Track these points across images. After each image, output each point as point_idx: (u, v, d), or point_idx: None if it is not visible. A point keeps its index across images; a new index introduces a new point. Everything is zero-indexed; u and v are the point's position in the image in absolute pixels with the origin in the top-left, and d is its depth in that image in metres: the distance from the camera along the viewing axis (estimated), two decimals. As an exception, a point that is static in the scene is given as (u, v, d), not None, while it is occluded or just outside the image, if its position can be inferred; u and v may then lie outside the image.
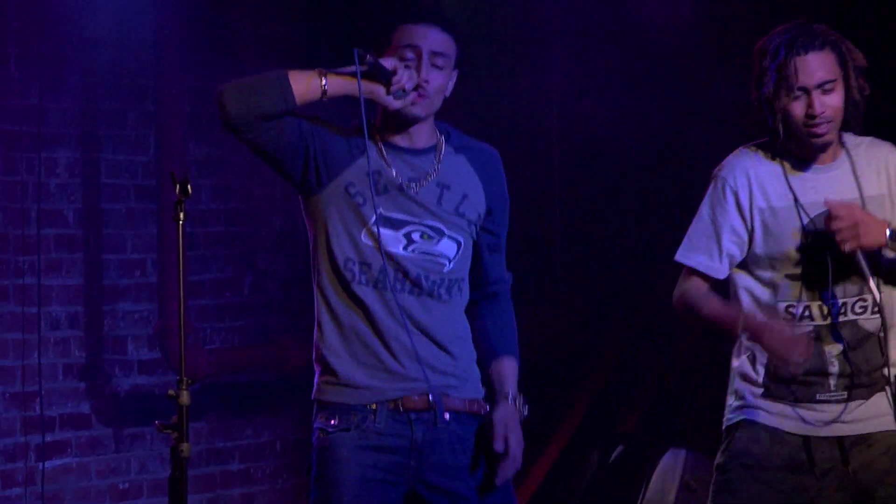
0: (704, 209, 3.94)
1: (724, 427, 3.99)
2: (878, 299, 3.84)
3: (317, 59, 6.50)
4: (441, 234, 3.60)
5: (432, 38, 3.58)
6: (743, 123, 4.02)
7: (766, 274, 3.91)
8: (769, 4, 5.77)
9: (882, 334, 3.91)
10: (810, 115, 3.80)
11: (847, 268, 3.86)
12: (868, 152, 3.94)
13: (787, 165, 3.90)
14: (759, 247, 3.90)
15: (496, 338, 3.70)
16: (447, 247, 3.60)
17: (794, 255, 3.88)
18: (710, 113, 6.12)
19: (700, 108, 6.27)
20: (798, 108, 3.81)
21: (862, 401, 3.90)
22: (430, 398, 3.56)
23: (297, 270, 6.63)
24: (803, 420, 3.88)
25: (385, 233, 3.54)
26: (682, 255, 3.96)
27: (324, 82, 3.48)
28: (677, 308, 3.98)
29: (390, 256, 3.54)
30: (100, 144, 6.21)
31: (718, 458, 3.96)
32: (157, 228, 6.16)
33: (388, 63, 3.51)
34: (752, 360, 3.94)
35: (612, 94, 6.47)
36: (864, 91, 3.89)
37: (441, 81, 3.58)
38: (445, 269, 3.60)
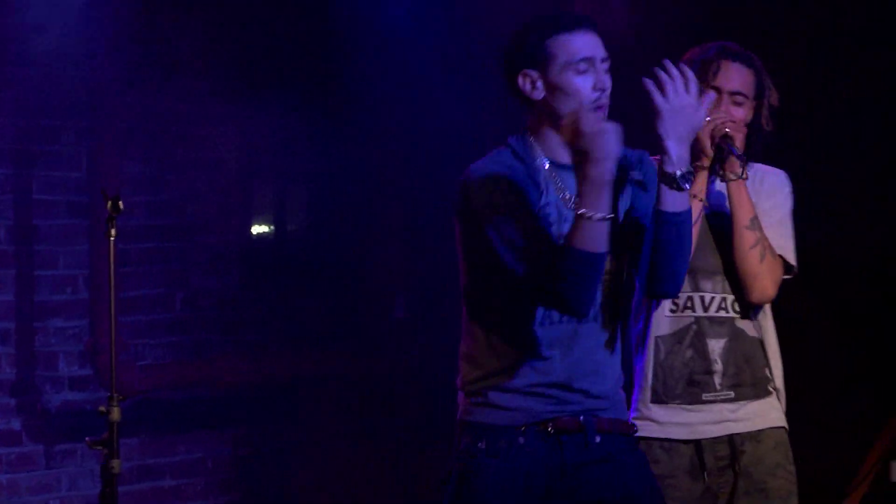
0: None
1: None
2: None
3: (254, 74, 6.61)
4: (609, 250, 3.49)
5: (595, 43, 3.48)
6: None
7: None
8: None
9: (760, 337, 4.03)
10: (725, 126, 3.91)
11: (728, 260, 3.96)
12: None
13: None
14: None
15: None
16: (611, 260, 3.52)
17: None
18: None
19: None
20: (715, 116, 3.91)
21: (748, 401, 4.00)
22: (581, 419, 3.51)
23: (229, 287, 6.65)
24: (692, 424, 3.97)
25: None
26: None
27: (599, 216, 3.34)
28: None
29: None
30: (33, 161, 6.18)
31: None
32: (90, 245, 6.14)
33: (614, 145, 3.38)
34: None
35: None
36: (769, 126, 3.98)
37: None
38: (612, 285, 3.54)
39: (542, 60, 3.49)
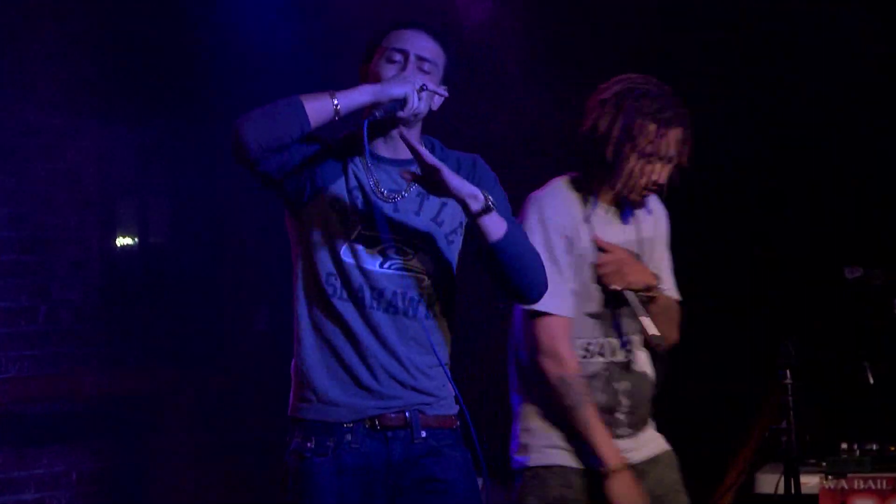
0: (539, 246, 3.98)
1: (525, 465, 4.10)
2: (651, 334, 4.06)
3: (113, 87, 6.59)
4: (416, 248, 3.59)
5: (420, 44, 3.60)
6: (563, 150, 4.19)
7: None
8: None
9: (650, 370, 4.19)
10: (655, 183, 4.04)
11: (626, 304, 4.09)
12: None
13: (591, 202, 4.10)
14: (570, 281, 4.07)
15: None
16: (425, 262, 3.60)
17: (594, 291, 4.08)
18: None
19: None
20: (648, 172, 4.02)
21: (641, 431, 4.17)
22: (407, 415, 3.56)
23: (91, 299, 6.61)
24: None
25: (362, 249, 3.53)
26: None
27: (336, 102, 3.45)
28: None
29: (367, 274, 3.54)
30: None
31: (530, 501, 4.07)
32: (-51, 257, 6.09)
33: (397, 91, 3.49)
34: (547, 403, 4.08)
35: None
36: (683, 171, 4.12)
37: (430, 87, 3.56)
38: (424, 284, 3.59)
39: (371, 52, 3.65)
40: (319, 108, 3.45)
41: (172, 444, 6.81)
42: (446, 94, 3.60)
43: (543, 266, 3.62)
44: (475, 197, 3.46)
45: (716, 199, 6.02)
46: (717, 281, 5.84)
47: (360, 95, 3.48)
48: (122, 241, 7.06)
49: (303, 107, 3.44)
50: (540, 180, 4.12)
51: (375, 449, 3.56)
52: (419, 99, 3.50)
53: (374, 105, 3.50)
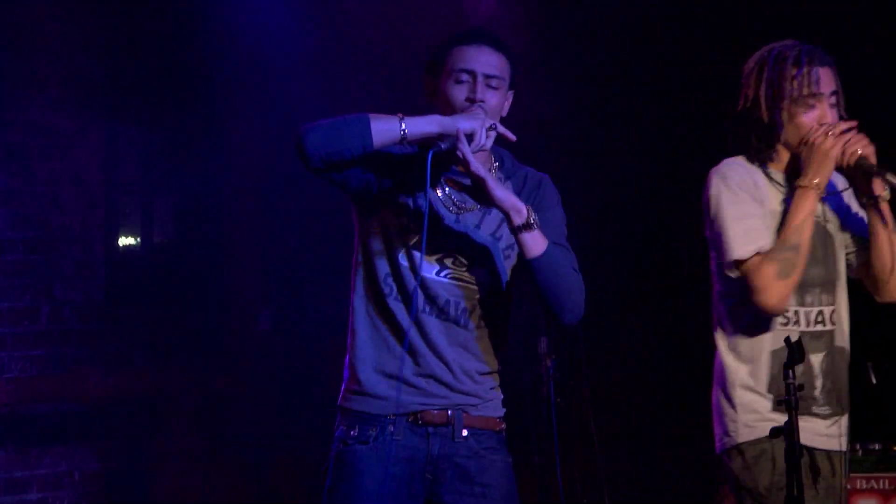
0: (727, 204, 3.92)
1: (744, 441, 3.96)
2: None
3: (118, 87, 6.60)
4: (473, 261, 3.67)
5: (486, 61, 3.65)
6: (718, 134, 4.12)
7: None
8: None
9: (847, 346, 4.06)
10: (822, 124, 3.92)
11: (828, 273, 4.00)
12: None
13: (772, 173, 4.00)
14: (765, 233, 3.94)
15: None
16: (480, 274, 3.68)
17: None
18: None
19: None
20: (812, 118, 3.91)
21: (837, 418, 4.01)
22: (450, 413, 3.65)
23: (94, 300, 6.62)
24: (807, 431, 3.87)
25: (420, 256, 3.61)
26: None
27: (403, 126, 3.52)
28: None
29: (422, 280, 3.62)
30: None
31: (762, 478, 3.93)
32: (-48, 257, 6.10)
33: (466, 126, 3.52)
34: (756, 372, 3.99)
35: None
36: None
37: (496, 101, 3.65)
38: (478, 297, 3.68)
39: (437, 68, 3.70)
40: (387, 130, 3.52)
41: (175, 444, 6.81)
42: (513, 137, 3.63)
43: (582, 291, 3.67)
44: (518, 211, 3.55)
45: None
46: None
47: (428, 125, 3.55)
48: (126, 241, 7.07)
49: (369, 126, 3.52)
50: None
51: (416, 443, 3.65)
52: (486, 137, 3.56)
53: (441, 136, 3.55)
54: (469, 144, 3.52)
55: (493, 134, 3.58)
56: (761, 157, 3.98)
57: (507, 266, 3.72)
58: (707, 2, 6.29)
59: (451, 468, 3.65)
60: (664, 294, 6.24)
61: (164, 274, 6.98)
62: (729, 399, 4.01)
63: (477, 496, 3.65)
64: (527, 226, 3.55)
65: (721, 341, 4.06)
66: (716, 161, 4.04)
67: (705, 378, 6.13)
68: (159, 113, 6.80)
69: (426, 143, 3.56)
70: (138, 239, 7.12)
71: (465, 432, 3.67)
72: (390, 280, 3.65)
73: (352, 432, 3.66)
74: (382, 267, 3.66)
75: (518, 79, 3.76)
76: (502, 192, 3.55)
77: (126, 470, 6.73)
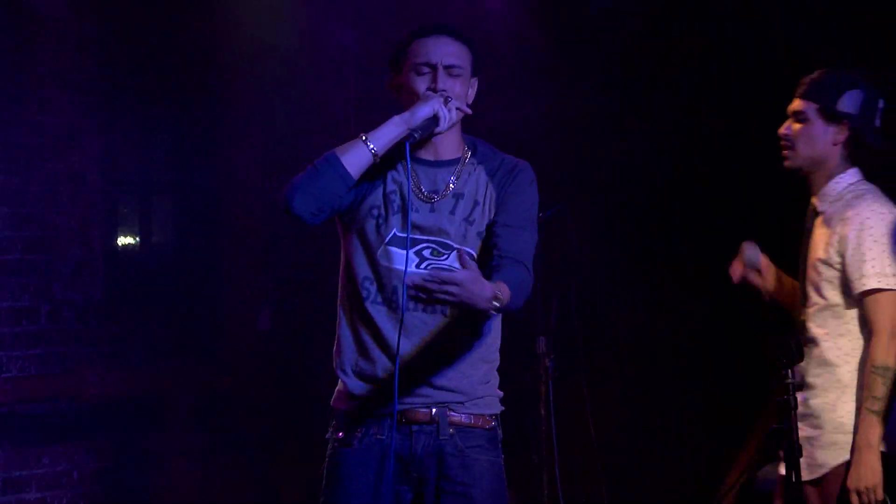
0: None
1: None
2: None
3: (117, 85, 6.60)
4: (450, 248, 3.67)
5: (445, 51, 3.67)
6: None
7: None
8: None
9: None
10: None
11: None
12: None
13: None
14: None
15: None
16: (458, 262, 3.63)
17: None
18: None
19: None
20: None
21: None
22: (434, 412, 3.66)
23: (93, 299, 6.61)
24: None
25: (397, 252, 3.64)
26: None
27: (371, 146, 3.57)
28: None
29: (402, 276, 3.61)
30: None
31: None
32: (-49, 256, 6.10)
33: (425, 111, 3.59)
34: None
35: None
36: None
37: (459, 89, 3.66)
38: None
39: (399, 64, 3.73)
40: (358, 158, 3.58)
41: (174, 444, 6.81)
42: (469, 110, 3.68)
43: (531, 287, 3.65)
44: (492, 300, 3.46)
45: (718, 196, 6.02)
46: (716, 281, 5.84)
47: (392, 129, 3.60)
48: (125, 240, 7.07)
49: (341, 163, 3.57)
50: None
51: (400, 442, 3.66)
52: (448, 110, 3.60)
53: (409, 131, 3.59)
54: (439, 125, 3.58)
55: (453, 106, 3.61)
56: None
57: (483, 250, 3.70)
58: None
59: (435, 467, 3.66)
60: (665, 293, 6.22)
61: (163, 274, 6.98)
62: None
63: (458, 495, 3.66)
64: (499, 308, 3.49)
65: None
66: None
67: (706, 378, 6.15)
68: (159, 112, 6.79)
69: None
70: (137, 238, 7.11)
71: (450, 430, 3.67)
72: (368, 283, 3.66)
73: (339, 434, 3.70)
74: (362, 270, 3.68)
75: (484, 64, 3.78)
76: (480, 299, 3.42)
77: (125, 469, 6.73)
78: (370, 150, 3.57)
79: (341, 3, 6.70)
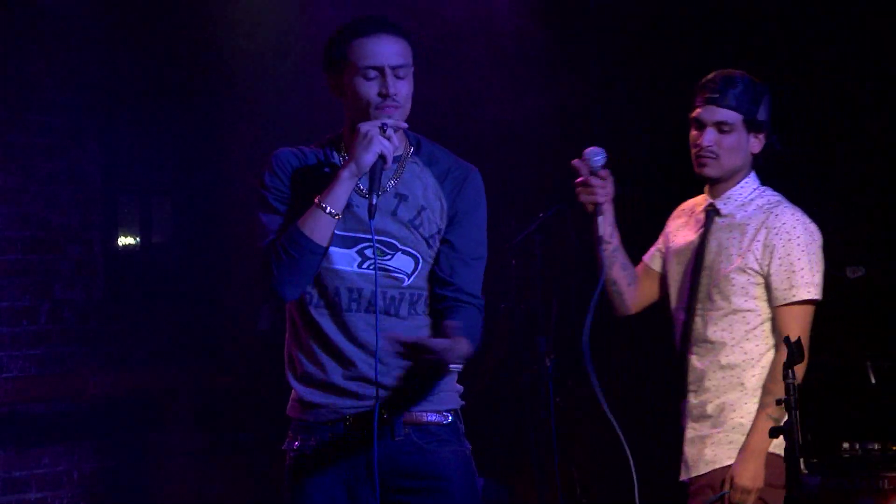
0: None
1: None
2: None
3: (117, 87, 6.60)
4: (394, 248, 3.60)
5: (391, 52, 3.57)
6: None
7: None
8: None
9: None
10: None
11: None
12: None
13: None
14: None
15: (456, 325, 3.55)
16: (403, 262, 3.60)
17: None
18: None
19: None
20: None
21: None
22: (385, 415, 3.58)
23: (93, 300, 6.62)
24: None
25: (338, 252, 3.57)
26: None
27: (330, 211, 3.49)
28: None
29: (343, 276, 3.57)
30: None
31: None
32: (-49, 256, 6.10)
33: (369, 159, 3.48)
34: None
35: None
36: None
37: (406, 90, 3.58)
38: (405, 284, 3.60)
39: (340, 64, 3.62)
40: (322, 226, 3.50)
41: (175, 444, 6.82)
42: (405, 125, 3.60)
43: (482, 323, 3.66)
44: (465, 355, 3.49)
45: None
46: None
47: (344, 186, 3.51)
48: (125, 240, 7.08)
49: (309, 238, 3.49)
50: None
51: (356, 447, 3.59)
52: (388, 138, 3.51)
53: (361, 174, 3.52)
54: (386, 163, 3.49)
55: (390, 132, 3.52)
56: None
57: (430, 253, 3.64)
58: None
59: (394, 467, 3.59)
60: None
61: (163, 273, 6.99)
62: None
63: (431, 490, 3.60)
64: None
65: None
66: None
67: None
68: (159, 113, 6.80)
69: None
70: (137, 238, 7.12)
71: (405, 430, 3.61)
72: (310, 288, 3.59)
73: (295, 443, 3.65)
74: None
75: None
76: (452, 354, 3.46)
77: (125, 469, 6.74)
78: (329, 214, 3.49)
79: (342, 2, 6.70)
